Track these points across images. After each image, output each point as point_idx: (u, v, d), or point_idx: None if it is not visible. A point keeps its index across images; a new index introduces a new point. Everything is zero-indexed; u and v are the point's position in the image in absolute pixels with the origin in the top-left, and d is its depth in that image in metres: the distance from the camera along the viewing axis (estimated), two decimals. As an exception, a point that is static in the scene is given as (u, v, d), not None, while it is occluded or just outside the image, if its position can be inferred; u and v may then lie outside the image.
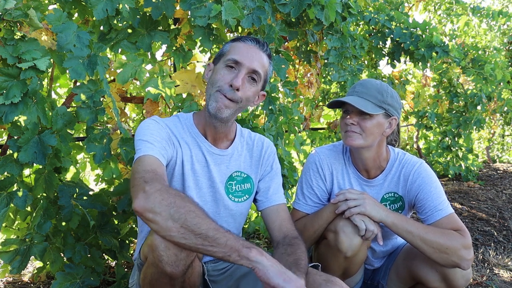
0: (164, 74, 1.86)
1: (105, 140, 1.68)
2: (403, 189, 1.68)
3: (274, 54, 2.14)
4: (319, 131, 3.81)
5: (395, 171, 1.69)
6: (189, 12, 1.76)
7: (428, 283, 1.62)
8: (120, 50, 1.79)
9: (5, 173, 1.50)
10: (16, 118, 1.43)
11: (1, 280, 2.11)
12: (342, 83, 2.91)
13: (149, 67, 1.89)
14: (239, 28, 2.11)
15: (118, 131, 1.84)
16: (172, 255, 1.13)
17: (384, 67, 6.15)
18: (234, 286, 1.41)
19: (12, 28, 1.40)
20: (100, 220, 1.84)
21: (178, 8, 1.84)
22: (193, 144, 1.44)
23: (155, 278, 1.21)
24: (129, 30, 1.80)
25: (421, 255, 1.59)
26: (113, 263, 2.27)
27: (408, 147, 5.97)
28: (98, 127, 1.74)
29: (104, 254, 1.95)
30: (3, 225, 1.85)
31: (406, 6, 5.14)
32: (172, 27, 1.97)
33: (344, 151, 1.76)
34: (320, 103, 3.64)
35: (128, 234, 1.99)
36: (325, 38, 2.59)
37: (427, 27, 3.32)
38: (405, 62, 3.68)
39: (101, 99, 1.61)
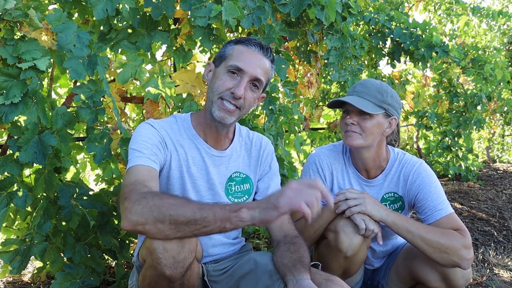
0: (164, 74, 1.87)
1: (105, 140, 1.68)
2: (403, 189, 1.68)
3: (274, 54, 2.13)
4: (319, 131, 3.82)
5: (395, 171, 1.69)
6: (189, 12, 1.76)
7: (428, 283, 1.62)
8: (120, 50, 1.79)
9: (5, 173, 1.50)
10: (16, 118, 1.43)
11: (1, 280, 2.10)
12: (342, 83, 2.91)
13: (149, 67, 1.89)
14: (239, 28, 2.11)
15: (118, 131, 1.84)
16: (170, 257, 1.13)
17: (384, 67, 6.15)
18: (235, 286, 1.41)
19: (12, 28, 1.40)
20: (100, 220, 1.84)
21: (178, 8, 1.84)
22: (190, 147, 1.43)
23: (154, 280, 1.21)
24: (129, 30, 1.80)
25: (421, 255, 1.59)
26: (113, 263, 2.27)
27: (408, 147, 5.97)
28: (98, 127, 1.74)
29: (104, 254, 1.95)
30: (3, 225, 1.85)
31: (406, 6, 5.14)
32: (172, 27, 1.97)
33: (344, 151, 1.76)
34: (320, 103, 3.64)
35: (128, 234, 1.99)
36: (325, 38, 2.59)
37: (427, 27, 3.32)
38: (405, 62, 3.68)
39: (101, 99, 1.61)
